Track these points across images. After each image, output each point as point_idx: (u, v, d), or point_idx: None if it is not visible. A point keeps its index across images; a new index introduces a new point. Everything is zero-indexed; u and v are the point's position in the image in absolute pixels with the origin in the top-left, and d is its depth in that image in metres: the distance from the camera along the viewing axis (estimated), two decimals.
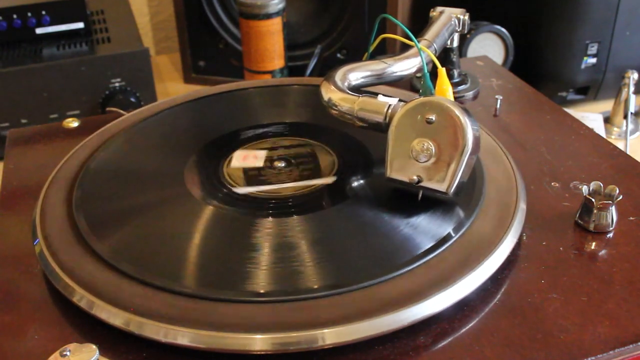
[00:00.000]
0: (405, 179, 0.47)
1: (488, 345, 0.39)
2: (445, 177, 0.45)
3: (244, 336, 0.38)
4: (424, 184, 0.46)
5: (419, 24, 0.77)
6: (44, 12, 0.97)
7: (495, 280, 0.43)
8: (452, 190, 0.45)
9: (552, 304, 0.42)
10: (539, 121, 0.63)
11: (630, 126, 0.95)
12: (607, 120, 0.99)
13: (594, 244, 0.47)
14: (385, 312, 0.39)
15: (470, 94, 0.68)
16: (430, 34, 0.61)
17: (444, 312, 0.40)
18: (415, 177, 0.46)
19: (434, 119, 0.45)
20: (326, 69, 0.55)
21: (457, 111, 0.45)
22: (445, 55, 0.66)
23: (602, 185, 0.49)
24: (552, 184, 0.53)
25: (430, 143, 0.45)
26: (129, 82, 0.94)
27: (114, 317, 0.40)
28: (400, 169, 0.47)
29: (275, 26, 0.98)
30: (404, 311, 0.39)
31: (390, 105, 0.48)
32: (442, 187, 0.45)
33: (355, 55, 1.07)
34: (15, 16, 0.96)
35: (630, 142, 0.94)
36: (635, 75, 0.93)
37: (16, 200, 0.54)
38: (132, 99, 0.94)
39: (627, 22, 0.97)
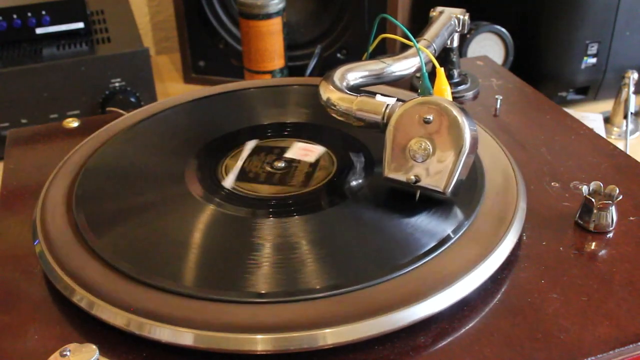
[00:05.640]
0: (402, 178, 0.46)
1: (488, 345, 0.39)
2: (442, 176, 0.45)
3: (245, 336, 0.38)
4: (422, 183, 0.46)
5: (419, 23, 0.77)
6: (44, 12, 0.97)
7: (495, 280, 0.43)
8: (449, 190, 0.45)
9: (552, 304, 0.42)
10: (539, 121, 0.63)
11: (630, 126, 0.95)
12: (607, 120, 0.99)
13: (594, 244, 0.47)
14: (385, 312, 0.39)
15: (470, 94, 0.68)
16: (429, 33, 0.61)
17: (444, 312, 0.40)
18: (412, 177, 0.46)
19: (431, 118, 0.45)
20: (326, 69, 0.55)
21: (455, 111, 0.45)
22: (445, 55, 0.66)
23: (602, 185, 0.49)
24: (552, 184, 0.53)
25: (428, 143, 0.45)
26: (129, 82, 0.94)
27: (114, 317, 0.40)
28: (397, 169, 0.47)
29: (275, 26, 0.98)
30: (404, 311, 0.39)
31: (388, 105, 0.48)
32: (439, 187, 0.45)
33: (355, 55, 1.07)
34: (15, 16, 0.96)
35: (630, 142, 0.94)
36: (635, 75, 0.93)
37: (16, 200, 0.54)
38: (132, 99, 0.94)
39: (627, 22, 0.97)
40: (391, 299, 0.40)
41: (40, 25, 0.97)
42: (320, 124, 0.59)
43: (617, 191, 0.48)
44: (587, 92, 1.03)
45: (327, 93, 0.51)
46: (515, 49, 0.98)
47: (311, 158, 0.54)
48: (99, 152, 0.56)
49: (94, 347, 0.37)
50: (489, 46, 0.98)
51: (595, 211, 0.47)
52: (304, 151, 0.54)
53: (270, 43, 0.99)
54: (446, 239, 0.44)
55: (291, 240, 0.45)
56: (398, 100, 0.49)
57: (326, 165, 0.53)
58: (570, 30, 0.96)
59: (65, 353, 0.36)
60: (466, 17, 0.64)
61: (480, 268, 0.42)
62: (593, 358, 0.38)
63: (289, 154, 0.55)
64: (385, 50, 1.05)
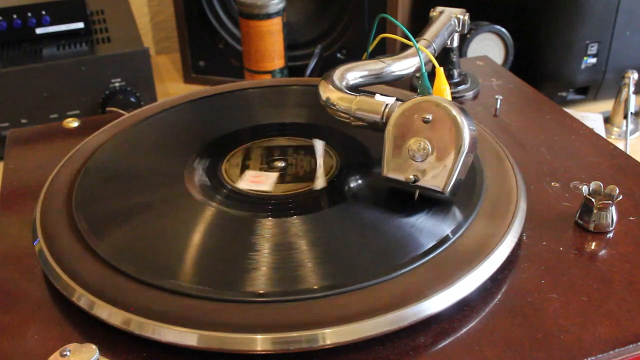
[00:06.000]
0: (401, 178, 0.46)
1: (488, 345, 0.39)
2: (442, 176, 0.45)
3: (245, 336, 0.38)
4: (421, 183, 0.46)
5: (419, 23, 0.77)
6: (44, 12, 0.97)
7: (495, 280, 0.43)
8: (448, 190, 0.45)
9: (552, 304, 0.42)
10: (539, 121, 0.63)
11: (630, 126, 0.95)
12: (607, 120, 0.99)
13: (594, 244, 0.47)
14: (385, 312, 0.39)
15: (470, 94, 0.68)
16: (429, 33, 0.61)
17: (444, 312, 0.40)
18: (411, 177, 0.46)
19: (430, 118, 0.45)
20: (326, 69, 0.55)
21: (454, 111, 0.45)
22: (445, 55, 0.66)
23: (602, 185, 0.49)
24: (552, 184, 0.53)
25: (427, 142, 0.45)
26: (129, 82, 0.94)
27: (114, 317, 0.40)
28: (397, 168, 0.47)
29: (275, 26, 0.98)
30: (404, 311, 0.39)
31: (387, 104, 0.48)
32: (438, 187, 0.45)
33: (355, 55, 1.07)
34: (15, 16, 0.96)
35: (630, 142, 0.94)
36: (635, 75, 0.93)
37: (16, 200, 0.54)
38: (132, 99, 0.94)
39: (627, 22, 0.97)
40: (391, 299, 0.40)
41: (40, 25, 0.97)
42: (320, 124, 0.59)
43: (617, 191, 0.48)
44: (587, 92, 1.03)
45: (327, 93, 0.51)
46: (515, 49, 0.98)
47: (266, 186, 0.51)
48: (99, 152, 0.56)
49: (94, 347, 0.37)
50: (489, 46, 0.98)
51: (595, 211, 0.47)
52: (256, 180, 0.52)
53: (270, 43, 0.99)
54: (446, 238, 0.44)
55: (291, 240, 0.45)
56: (397, 100, 0.49)
57: (326, 165, 0.53)
58: (570, 30, 0.96)
59: (65, 353, 0.36)
60: (466, 17, 0.64)
61: (480, 268, 0.42)
62: (593, 358, 0.38)
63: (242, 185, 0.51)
64: (385, 50, 1.05)
